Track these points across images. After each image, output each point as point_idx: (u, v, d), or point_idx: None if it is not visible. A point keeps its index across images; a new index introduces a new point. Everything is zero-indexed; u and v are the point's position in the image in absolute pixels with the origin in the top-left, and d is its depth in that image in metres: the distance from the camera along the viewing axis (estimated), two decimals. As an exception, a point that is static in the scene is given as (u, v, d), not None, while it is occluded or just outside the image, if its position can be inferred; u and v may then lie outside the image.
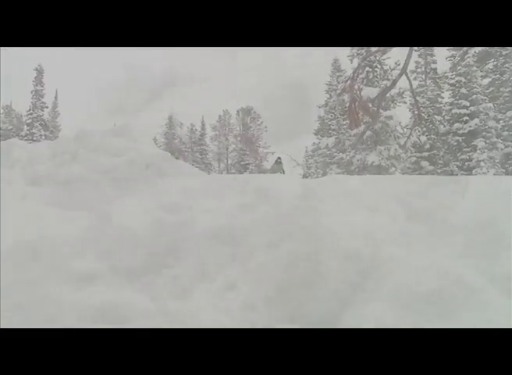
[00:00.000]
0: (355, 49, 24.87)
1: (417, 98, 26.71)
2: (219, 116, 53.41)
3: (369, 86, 23.75)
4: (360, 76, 24.21)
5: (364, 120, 18.83)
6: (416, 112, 22.19)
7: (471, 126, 26.11)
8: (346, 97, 22.33)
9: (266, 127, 52.34)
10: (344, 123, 29.96)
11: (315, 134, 36.93)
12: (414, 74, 31.35)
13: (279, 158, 16.58)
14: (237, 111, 53.21)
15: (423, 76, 31.39)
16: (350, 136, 25.69)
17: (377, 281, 2.92)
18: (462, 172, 25.05)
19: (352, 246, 3.30)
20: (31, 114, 34.45)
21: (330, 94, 34.70)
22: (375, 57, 23.37)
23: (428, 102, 27.94)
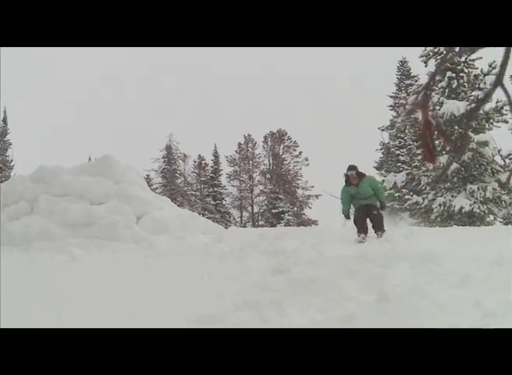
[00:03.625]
0: (430, 47, 24.75)
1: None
2: (239, 144, 53.14)
3: (453, 98, 23.89)
4: (440, 85, 24.46)
5: (447, 150, 18.79)
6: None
7: None
8: (420, 115, 22.15)
9: (307, 160, 51.80)
10: (419, 152, 29.95)
11: (377, 169, 36.93)
12: (520, 80, 31.42)
13: (354, 170, 11.87)
14: (264, 136, 52.65)
15: (533, 83, 31.37)
16: (427, 171, 25.56)
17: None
18: None
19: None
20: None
21: (397, 111, 34.95)
22: (460, 57, 23.46)
23: (541, 120, 27.70)
